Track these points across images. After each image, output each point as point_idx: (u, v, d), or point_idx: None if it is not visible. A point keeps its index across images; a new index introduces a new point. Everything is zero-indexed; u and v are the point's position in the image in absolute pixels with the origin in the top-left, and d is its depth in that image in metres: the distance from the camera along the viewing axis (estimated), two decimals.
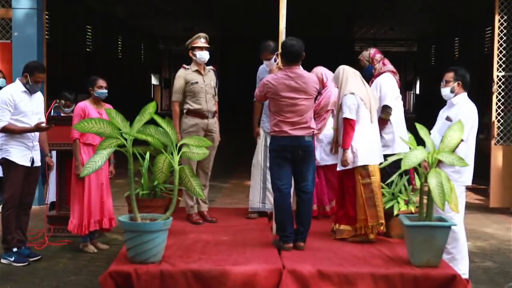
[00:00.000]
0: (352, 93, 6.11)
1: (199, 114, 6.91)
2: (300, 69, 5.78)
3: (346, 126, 6.06)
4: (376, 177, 6.08)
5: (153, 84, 36.28)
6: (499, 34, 9.40)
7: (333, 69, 6.54)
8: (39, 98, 6.55)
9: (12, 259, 6.23)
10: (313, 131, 5.85)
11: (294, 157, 5.72)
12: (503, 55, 9.40)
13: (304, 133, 5.72)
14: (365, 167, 6.06)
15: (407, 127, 6.12)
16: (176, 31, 31.78)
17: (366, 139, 6.11)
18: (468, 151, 5.77)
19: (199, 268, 5.12)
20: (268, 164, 6.76)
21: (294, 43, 5.74)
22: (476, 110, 5.88)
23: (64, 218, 7.23)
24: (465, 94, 5.93)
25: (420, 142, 5.52)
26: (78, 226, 6.59)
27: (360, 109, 6.10)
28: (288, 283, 5.05)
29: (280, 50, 5.97)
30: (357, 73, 6.35)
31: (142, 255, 5.17)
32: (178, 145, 5.63)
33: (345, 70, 6.31)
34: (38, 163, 6.51)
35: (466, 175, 5.83)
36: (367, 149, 6.07)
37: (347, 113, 6.05)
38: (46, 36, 9.78)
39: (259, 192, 7.18)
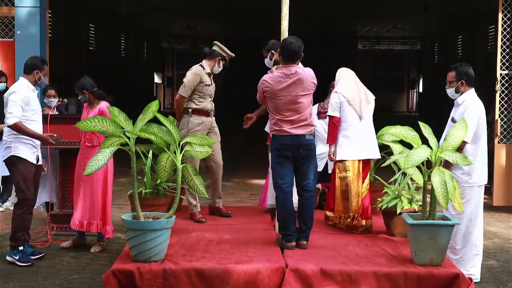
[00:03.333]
0: (335, 92, 6.57)
1: (205, 112, 7.00)
2: (296, 67, 5.75)
3: (329, 123, 6.57)
4: (351, 172, 6.46)
5: (156, 83, 36.27)
6: (502, 32, 9.37)
7: (335, 67, 6.69)
8: (37, 94, 6.57)
9: (17, 257, 6.20)
10: (313, 129, 5.84)
11: (295, 156, 5.72)
12: (506, 53, 9.38)
13: (304, 131, 5.71)
14: (343, 161, 6.48)
15: (410, 125, 6.12)
16: (179, 29, 31.80)
17: (347, 135, 6.48)
18: (476, 151, 5.76)
19: (202, 267, 5.12)
20: None
21: (292, 42, 5.73)
22: (482, 108, 5.84)
23: (67, 217, 7.23)
24: (471, 90, 5.89)
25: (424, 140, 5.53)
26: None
27: (344, 106, 6.46)
28: (291, 282, 5.05)
29: (279, 50, 5.96)
30: (351, 73, 6.75)
31: (145, 254, 5.17)
32: (181, 143, 5.63)
33: (340, 72, 6.79)
34: (41, 161, 6.50)
35: (477, 176, 5.79)
36: (347, 145, 6.47)
37: (329, 111, 6.55)
38: (49, 35, 9.77)
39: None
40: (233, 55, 7.24)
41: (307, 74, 5.77)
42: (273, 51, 6.99)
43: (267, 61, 7.12)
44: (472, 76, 5.88)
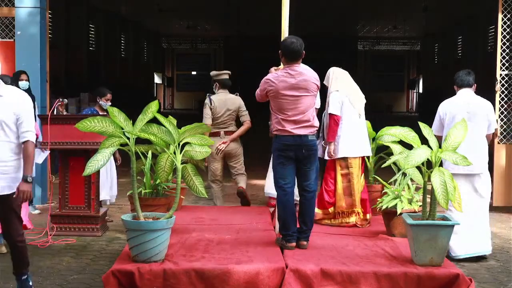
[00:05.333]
0: (337, 91, 6.78)
1: None
2: (300, 67, 5.76)
3: (330, 121, 6.74)
4: (354, 169, 6.74)
5: (156, 83, 36.27)
6: (502, 33, 9.36)
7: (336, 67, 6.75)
8: (8, 101, 4.85)
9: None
10: (316, 130, 5.84)
11: (298, 156, 5.72)
12: (506, 54, 9.37)
13: (307, 132, 5.71)
14: (344, 159, 6.73)
15: (410, 126, 6.16)
16: (179, 29, 31.80)
17: (349, 133, 6.73)
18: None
19: (202, 267, 5.12)
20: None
21: (293, 41, 5.71)
22: (449, 104, 6.55)
23: (67, 217, 7.25)
24: (458, 92, 6.63)
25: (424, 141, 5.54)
26: None
27: (345, 105, 6.73)
28: (291, 282, 5.05)
29: (280, 50, 5.92)
30: (346, 72, 6.97)
31: (144, 254, 5.17)
32: (181, 144, 5.63)
33: (334, 71, 6.97)
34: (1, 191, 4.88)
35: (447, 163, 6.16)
36: (348, 143, 6.71)
37: (331, 109, 6.74)
38: (49, 35, 9.76)
39: None
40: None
41: (311, 75, 5.78)
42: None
43: None
44: (457, 78, 6.62)
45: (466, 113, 6.39)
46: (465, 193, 6.25)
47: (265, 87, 5.77)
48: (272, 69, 6.45)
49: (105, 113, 8.00)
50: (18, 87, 8.09)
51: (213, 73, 8.42)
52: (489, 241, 6.52)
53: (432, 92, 30.47)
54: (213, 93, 8.24)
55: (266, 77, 5.82)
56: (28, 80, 8.39)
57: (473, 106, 6.49)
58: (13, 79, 8.24)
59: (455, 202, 5.26)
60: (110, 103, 8.03)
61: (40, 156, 7.33)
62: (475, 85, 6.69)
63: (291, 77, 5.69)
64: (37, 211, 8.47)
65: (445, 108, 6.55)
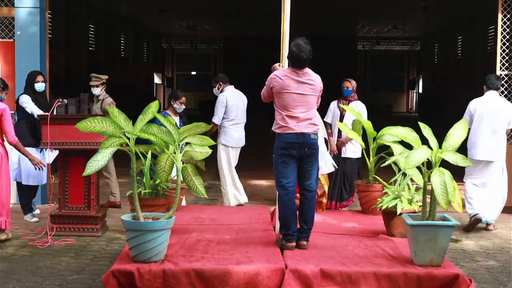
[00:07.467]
0: None
1: None
2: (306, 68, 5.83)
3: None
4: None
5: (156, 83, 36.26)
6: (502, 33, 9.37)
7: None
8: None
9: None
10: (317, 129, 5.86)
11: (300, 155, 5.73)
12: (506, 54, 9.37)
13: (309, 130, 5.74)
14: None
15: (410, 126, 6.18)
16: (179, 29, 31.80)
17: None
18: (473, 133, 7.77)
19: (202, 268, 5.12)
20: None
21: (302, 50, 5.70)
22: (476, 104, 7.83)
23: (67, 217, 7.24)
24: (487, 92, 7.93)
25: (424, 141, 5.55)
26: None
27: None
28: (291, 283, 5.05)
29: (288, 54, 5.92)
30: None
31: (144, 254, 5.18)
32: (181, 144, 5.63)
33: None
34: None
35: (473, 151, 7.76)
36: None
37: None
38: (49, 35, 9.76)
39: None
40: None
41: (317, 76, 5.87)
42: (221, 83, 8.75)
43: (215, 90, 8.84)
44: (489, 81, 7.90)
45: (491, 111, 7.77)
46: (481, 177, 7.78)
47: (270, 82, 5.81)
48: (276, 65, 6.46)
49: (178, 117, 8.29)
50: (34, 89, 8.02)
51: (102, 76, 9.05)
52: (495, 212, 7.92)
53: (432, 92, 30.50)
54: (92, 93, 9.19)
55: (272, 74, 5.87)
56: (45, 81, 8.28)
57: (497, 106, 7.82)
58: (28, 81, 8.12)
59: (455, 202, 5.25)
60: (184, 107, 8.10)
61: (51, 156, 7.35)
62: (500, 88, 8.09)
63: (297, 75, 5.75)
64: (35, 219, 8.17)
65: (475, 105, 7.87)
